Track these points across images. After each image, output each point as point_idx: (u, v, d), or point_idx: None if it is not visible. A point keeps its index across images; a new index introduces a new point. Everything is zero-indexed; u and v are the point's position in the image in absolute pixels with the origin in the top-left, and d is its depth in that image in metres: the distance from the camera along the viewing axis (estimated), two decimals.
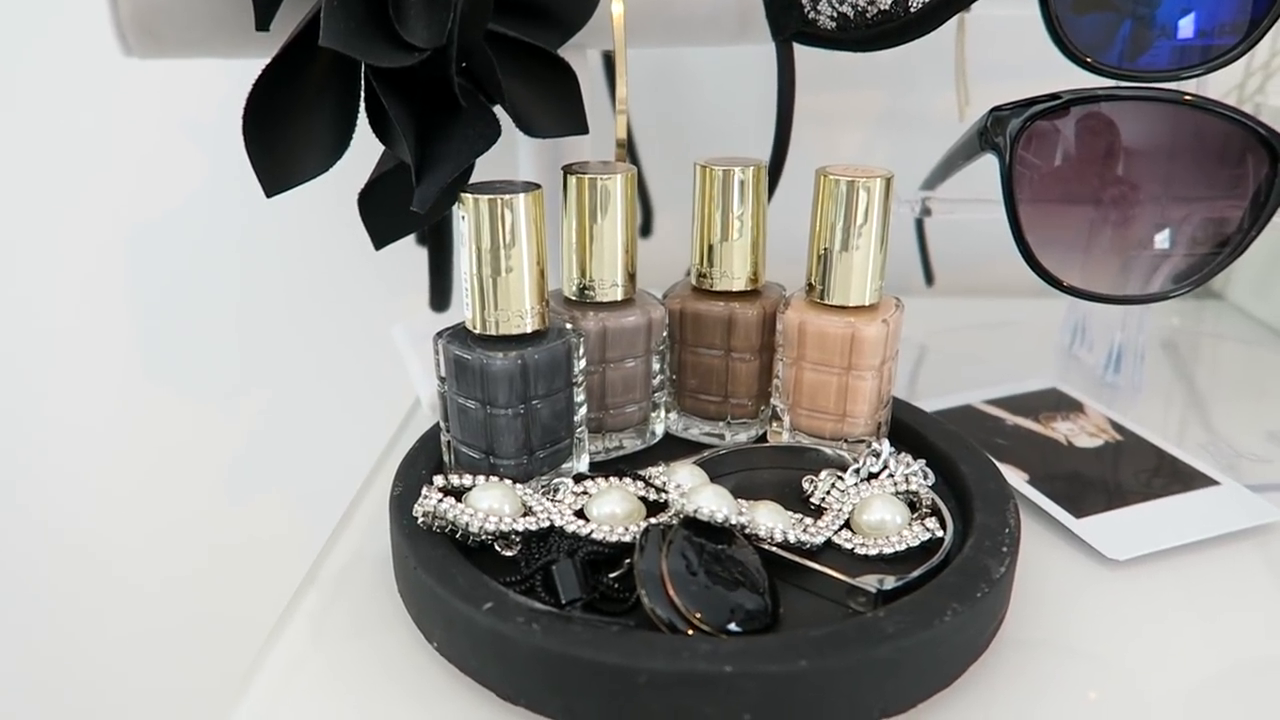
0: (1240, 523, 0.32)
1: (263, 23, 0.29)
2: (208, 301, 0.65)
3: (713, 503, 0.26)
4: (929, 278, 0.52)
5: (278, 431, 0.69)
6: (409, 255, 0.51)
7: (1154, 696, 0.25)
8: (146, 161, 0.61)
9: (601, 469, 0.31)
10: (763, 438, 0.35)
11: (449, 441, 0.31)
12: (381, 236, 0.33)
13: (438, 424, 0.32)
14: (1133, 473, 0.36)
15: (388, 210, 0.33)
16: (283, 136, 0.30)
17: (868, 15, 0.33)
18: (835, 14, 0.33)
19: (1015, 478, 0.35)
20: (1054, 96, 0.34)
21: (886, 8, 0.32)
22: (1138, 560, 0.31)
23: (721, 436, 0.35)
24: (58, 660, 0.76)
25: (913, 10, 0.32)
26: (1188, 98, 0.34)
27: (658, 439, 0.35)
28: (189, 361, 0.67)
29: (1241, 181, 0.34)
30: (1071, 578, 0.30)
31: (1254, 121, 0.32)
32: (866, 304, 0.32)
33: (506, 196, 0.27)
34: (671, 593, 0.24)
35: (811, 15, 0.33)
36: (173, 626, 0.74)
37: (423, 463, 0.31)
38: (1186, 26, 0.33)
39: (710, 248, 0.33)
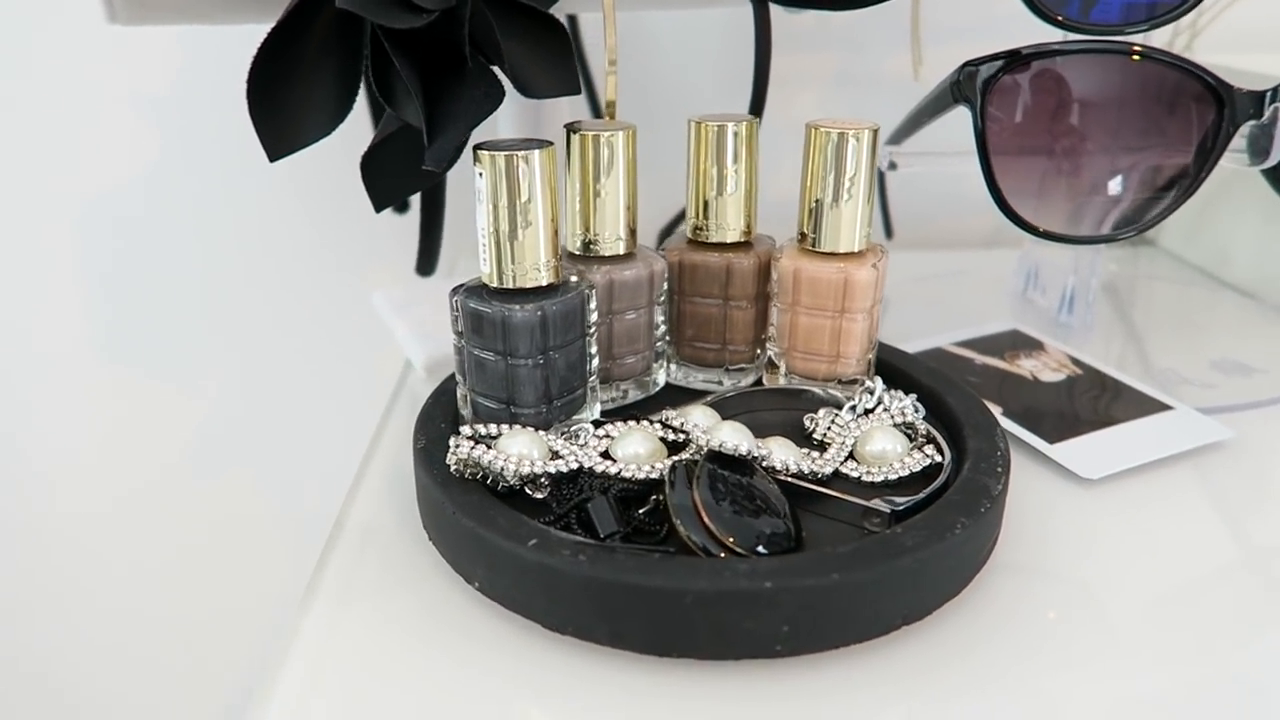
0: (1195, 441, 0.36)
1: None
2: (177, 279, 0.64)
3: (734, 437, 0.28)
4: (889, 231, 0.54)
5: (263, 408, 0.68)
6: (372, 224, 0.51)
7: (1138, 589, 0.28)
8: (106, 134, 0.59)
9: (613, 416, 0.33)
10: (759, 382, 0.37)
11: (465, 394, 0.32)
12: (382, 199, 0.34)
13: (452, 377, 0.33)
14: (1095, 402, 0.38)
15: (390, 173, 0.33)
16: (287, 100, 0.30)
17: None
18: None
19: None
20: (1015, 53, 0.36)
21: None
22: (1108, 479, 0.34)
23: (720, 383, 0.36)
24: (57, 651, 0.74)
25: None
26: (1136, 49, 0.36)
27: (659, 388, 0.36)
28: (161, 340, 0.65)
29: (1189, 128, 0.37)
30: (1050, 497, 0.33)
31: (1199, 69, 0.35)
32: (856, 250, 0.33)
33: (523, 152, 0.28)
34: (706, 520, 0.26)
35: None
36: (165, 614, 0.73)
37: (440, 416, 0.32)
38: None
39: (705, 202, 0.34)
